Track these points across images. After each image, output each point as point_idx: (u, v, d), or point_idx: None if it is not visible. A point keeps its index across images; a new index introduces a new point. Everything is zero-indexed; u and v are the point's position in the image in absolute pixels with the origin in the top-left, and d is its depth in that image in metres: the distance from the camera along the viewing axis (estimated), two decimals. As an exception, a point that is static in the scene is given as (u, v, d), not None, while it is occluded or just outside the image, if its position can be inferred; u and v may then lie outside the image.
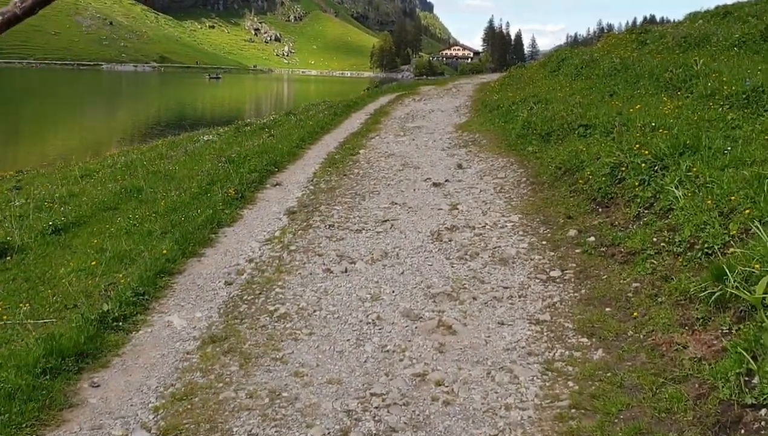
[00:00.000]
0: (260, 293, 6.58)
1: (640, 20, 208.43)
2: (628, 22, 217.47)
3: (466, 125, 17.63)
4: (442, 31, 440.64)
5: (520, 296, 6.42)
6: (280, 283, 6.81)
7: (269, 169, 12.54)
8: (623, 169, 8.65)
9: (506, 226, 8.66)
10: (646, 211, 7.62)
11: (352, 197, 10.27)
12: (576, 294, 6.37)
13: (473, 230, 8.47)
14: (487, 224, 8.74)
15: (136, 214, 10.09)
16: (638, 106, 10.70)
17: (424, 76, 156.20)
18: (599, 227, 8.02)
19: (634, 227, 7.49)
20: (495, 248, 7.80)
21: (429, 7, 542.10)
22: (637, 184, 8.07)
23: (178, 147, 21.37)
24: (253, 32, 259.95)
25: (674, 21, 25.91)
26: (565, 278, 6.82)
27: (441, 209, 9.53)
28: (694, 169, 7.23)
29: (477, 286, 6.69)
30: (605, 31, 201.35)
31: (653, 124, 9.58)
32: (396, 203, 9.84)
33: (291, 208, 9.79)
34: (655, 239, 6.75)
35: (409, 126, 18.11)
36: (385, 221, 8.94)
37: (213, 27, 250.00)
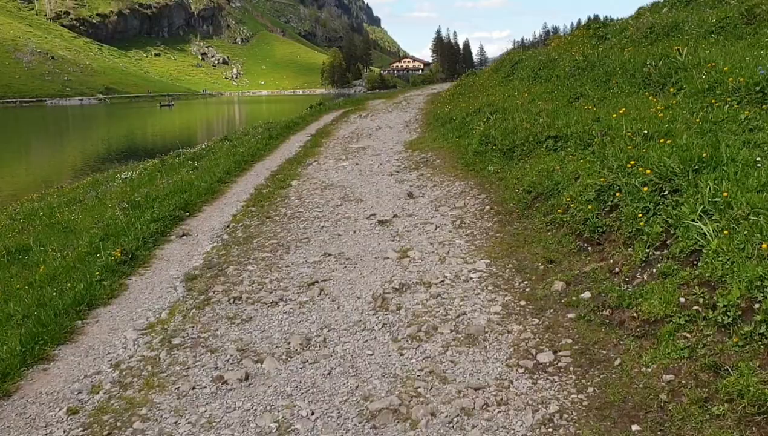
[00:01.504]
0: (110, 433, 4.35)
1: (584, 21, 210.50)
2: (572, 24, 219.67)
3: (417, 143, 15.59)
4: (391, 45, 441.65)
5: (499, 405, 4.32)
6: (144, 410, 4.58)
7: (177, 216, 10.28)
8: (615, 193, 6.65)
9: (471, 278, 6.57)
10: (658, 253, 5.60)
11: (273, 250, 8.06)
12: (581, 397, 4.30)
13: (429, 288, 6.36)
14: (446, 276, 6.64)
15: (7, 287, 7.87)
16: (622, 109, 8.72)
17: (377, 90, 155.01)
18: (593, 275, 5.99)
19: (645, 277, 5.46)
20: (459, 315, 5.69)
21: (376, 22, 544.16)
22: (639, 214, 6.07)
23: (99, 187, 19.02)
24: (200, 57, 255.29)
25: (620, 19, 24.35)
26: (561, 365, 4.74)
27: (387, 258, 7.40)
28: (723, 193, 5.24)
29: (436, 389, 4.57)
30: (551, 33, 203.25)
31: (645, 131, 7.63)
32: (329, 254, 7.67)
33: (192, 272, 7.55)
34: (683, 300, 4.72)
35: (352, 147, 16.00)
36: (313, 283, 6.76)
37: (159, 55, 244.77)
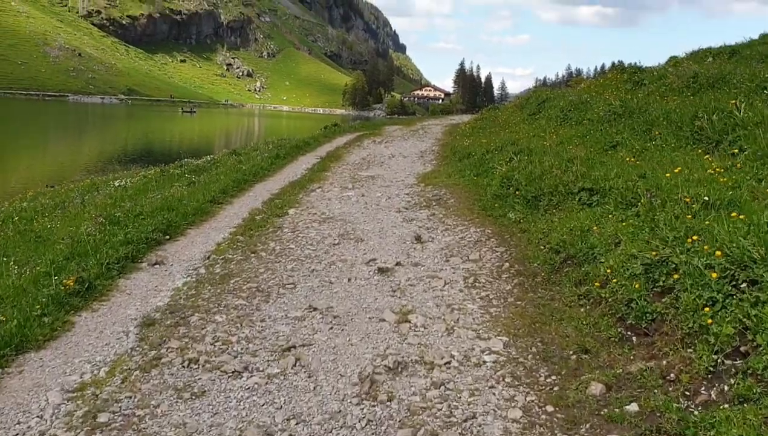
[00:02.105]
0: None
1: (608, 65, 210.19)
2: (596, 67, 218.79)
3: (431, 176, 14.37)
4: (414, 72, 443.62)
5: None
6: None
7: (155, 239, 9.09)
8: (670, 272, 5.38)
9: (484, 362, 5.29)
10: (731, 362, 4.33)
11: (250, 296, 6.80)
12: None
13: (431, 372, 5.09)
14: (454, 356, 5.37)
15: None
16: (677, 168, 7.44)
17: (396, 115, 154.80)
18: (641, 379, 4.70)
19: (714, 395, 4.19)
20: (467, 419, 4.41)
21: (402, 49, 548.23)
22: (703, 305, 4.80)
23: (90, 192, 17.92)
24: (225, 67, 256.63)
25: (656, 66, 23.20)
26: None
27: (384, 321, 6.13)
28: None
29: None
30: (574, 75, 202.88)
31: (705, 197, 6.37)
32: (315, 309, 6.41)
33: (151, 315, 6.32)
34: (776, 444, 3.44)
35: (361, 175, 14.80)
36: (289, 349, 5.50)
37: (184, 61, 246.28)
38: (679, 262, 5.42)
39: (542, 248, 7.91)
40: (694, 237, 5.46)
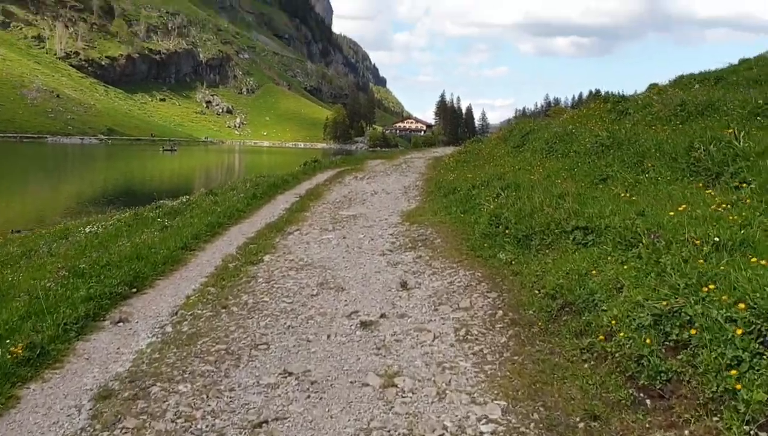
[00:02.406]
0: None
1: (585, 94, 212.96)
2: (574, 97, 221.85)
3: (416, 214, 13.82)
4: (396, 105, 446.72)
5: None
6: None
7: (120, 293, 8.43)
8: (684, 325, 4.85)
9: (481, 433, 4.68)
10: (765, 433, 3.76)
11: (219, 360, 6.15)
12: None
13: (422, 449, 4.46)
14: (447, 427, 4.75)
15: None
16: (682, 206, 6.92)
17: (378, 148, 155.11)
18: (663, 453, 4.12)
19: (751, 476, 3.60)
20: (464, 510, 3.79)
21: (382, 82, 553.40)
22: (727, 365, 4.25)
23: (60, 239, 17.19)
24: (204, 105, 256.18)
25: (636, 94, 23.04)
26: None
27: (367, 386, 5.50)
28: None
29: None
30: (552, 105, 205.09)
31: (716, 238, 5.85)
32: (291, 373, 5.76)
33: (109, 386, 5.64)
34: None
35: (342, 215, 14.21)
36: (261, 424, 4.85)
37: (164, 99, 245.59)
38: (695, 313, 4.87)
39: (537, 292, 7.35)
40: (710, 286, 4.91)
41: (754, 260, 5.07)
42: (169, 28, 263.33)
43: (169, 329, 7.17)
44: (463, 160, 22.45)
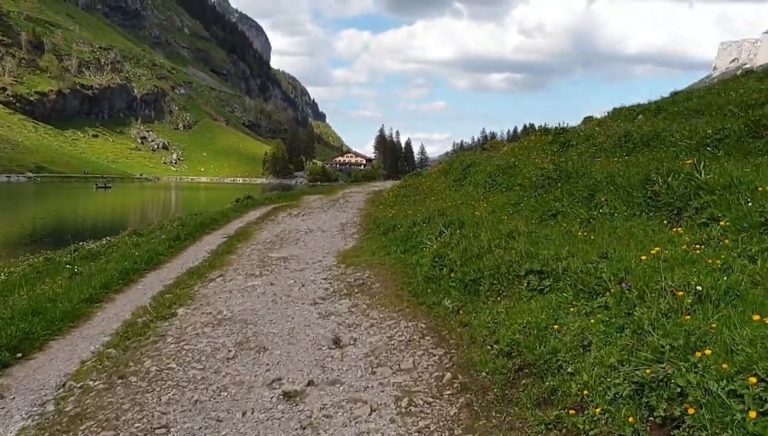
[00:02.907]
0: None
1: (520, 128, 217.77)
2: (509, 130, 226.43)
3: (353, 254, 12.75)
4: (335, 139, 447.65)
5: None
6: None
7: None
8: (673, 397, 3.93)
9: None
10: None
11: (100, 455, 4.91)
12: None
13: None
14: None
15: None
16: (655, 249, 6.03)
17: (318, 182, 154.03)
18: None
19: None
20: None
21: (321, 117, 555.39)
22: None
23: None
24: (139, 141, 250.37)
25: (566, 126, 22.81)
26: None
27: (286, 485, 4.35)
28: None
29: None
30: (489, 138, 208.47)
31: (698, 287, 4.97)
32: (190, 472, 4.58)
33: (-56, 501, 4.35)
34: None
35: (272, 257, 13.01)
36: None
37: (97, 136, 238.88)
38: (687, 384, 3.94)
39: (490, 349, 6.36)
40: (707, 351, 3.99)
41: (755, 317, 4.17)
42: (102, 63, 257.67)
43: (50, 407, 5.87)
44: (402, 195, 21.57)
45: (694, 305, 4.82)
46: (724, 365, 3.83)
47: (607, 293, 5.80)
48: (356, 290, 9.67)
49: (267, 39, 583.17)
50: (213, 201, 74.56)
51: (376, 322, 8.04)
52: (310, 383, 6.13)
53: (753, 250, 5.66)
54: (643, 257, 5.73)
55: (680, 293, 4.89)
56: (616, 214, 8.67)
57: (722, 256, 5.54)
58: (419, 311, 8.28)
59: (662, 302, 5.01)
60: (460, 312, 7.67)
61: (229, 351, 7.09)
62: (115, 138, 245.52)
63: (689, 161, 8.41)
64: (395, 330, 7.64)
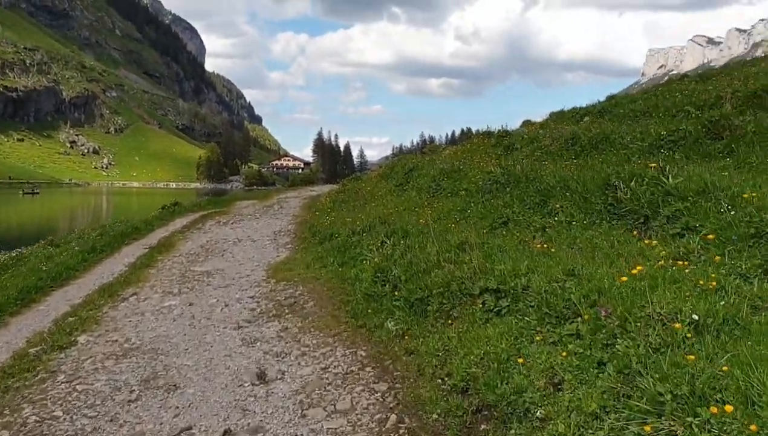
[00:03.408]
0: None
1: (458, 132, 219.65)
2: (447, 135, 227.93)
3: (285, 267, 11.65)
4: (272, 143, 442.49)
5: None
6: None
7: None
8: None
9: None
10: None
11: None
12: None
13: None
14: None
15: None
16: (637, 268, 5.17)
17: (255, 187, 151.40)
18: None
19: None
20: None
21: (257, 120, 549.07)
22: None
23: None
24: (68, 145, 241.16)
25: (508, 129, 22.32)
26: None
27: None
28: None
29: None
30: (428, 142, 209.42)
31: (693, 315, 4.13)
32: None
33: None
34: None
35: (195, 271, 11.77)
36: None
37: (22, 139, 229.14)
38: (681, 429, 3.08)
39: (441, 383, 5.44)
40: (727, 408, 3.12)
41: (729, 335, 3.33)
42: (28, 65, 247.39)
43: None
44: (341, 201, 20.52)
45: (695, 337, 3.97)
46: (753, 427, 2.97)
47: (578, 318, 4.93)
48: (287, 311, 8.59)
49: (201, 41, 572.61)
50: (145, 206, 71.72)
51: (309, 349, 6.99)
52: (226, 433, 5.05)
53: (744, 266, 4.90)
54: (623, 278, 4.85)
55: (677, 324, 4.02)
56: (573, 223, 7.88)
57: (713, 275, 4.73)
58: (358, 335, 7.28)
59: (651, 334, 4.15)
60: (406, 337, 6.72)
61: (132, 391, 5.92)
62: (43, 142, 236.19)
63: (653, 164, 7.69)
64: (331, 360, 6.61)
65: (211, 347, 7.23)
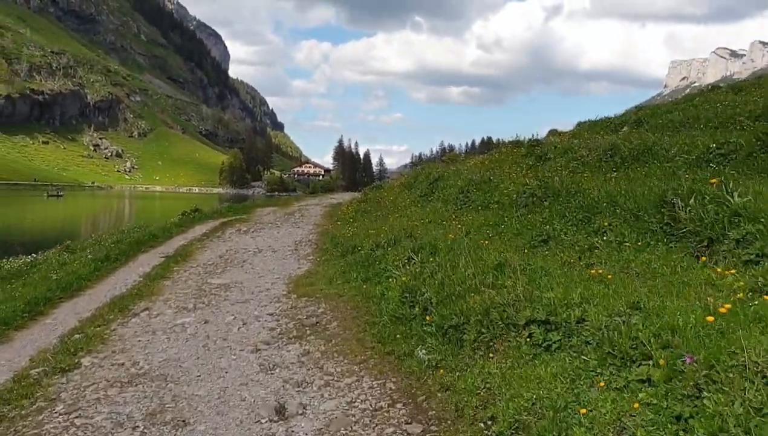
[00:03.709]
0: None
1: (478, 141, 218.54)
2: (467, 143, 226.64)
3: (307, 282, 11.02)
4: (294, 149, 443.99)
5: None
6: None
7: None
8: None
9: None
10: None
11: None
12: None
13: None
14: None
15: None
16: (725, 306, 4.45)
17: (276, 193, 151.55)
18: None
19: None
20: None
21: (280, 127, 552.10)
22: None
23: None
24: (92, 148, 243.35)
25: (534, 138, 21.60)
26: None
27: None
28: None
29: None
30: (447, 151, 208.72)
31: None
32: None
33: None
34: None
35: (212, 284, 11.19)
36: None
37: (47, 142, 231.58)
38: None
39: (483, 427, 4.77)
40: None
41: None
42: (54, 68, 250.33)
43: None
44: (363, 210, 19.89)
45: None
46: None
47: (649, 361, 4.24)
48: (309, 332, 7.95)
49: (225, 47, 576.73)
50: (168, 211, 71.56)
51: (333, 379, 6.34)
52: (239, 484, 4.41)
53: None
54: (709, 318, 4.15)
55: (746, 364, 3.32)
56: (625, 243, 7.16)
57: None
58: (386, 363, 6.62)
59: (749, 389, 3.44)
60: (440, 369, 6.04)
61: (135, 427, 5.30)
62: (67, 145, 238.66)
63: (714, 180, 6.94)
64: (357, 392, 5.95)
65: (226, 373, 6.60)
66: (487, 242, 9.35)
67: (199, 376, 6.52)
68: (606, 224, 7.79)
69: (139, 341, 7.82)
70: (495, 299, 6.18)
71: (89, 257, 13.88)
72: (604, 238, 7.53)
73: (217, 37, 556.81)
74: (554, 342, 5.25)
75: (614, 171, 11.81)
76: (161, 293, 10.58)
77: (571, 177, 10.91)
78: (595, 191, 8.93)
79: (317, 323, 8.32)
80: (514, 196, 11.28)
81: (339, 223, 18.54)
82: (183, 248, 15.40)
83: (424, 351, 6.49)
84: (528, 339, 5.49)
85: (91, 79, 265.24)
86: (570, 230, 8.43)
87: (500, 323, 5.91)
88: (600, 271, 6.11)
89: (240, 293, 10.39)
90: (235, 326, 8.30)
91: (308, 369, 6.66)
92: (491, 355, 5.77)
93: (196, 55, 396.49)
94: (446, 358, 6.15)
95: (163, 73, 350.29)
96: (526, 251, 8.36)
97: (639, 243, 6.93)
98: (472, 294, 6.64)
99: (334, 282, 10.55)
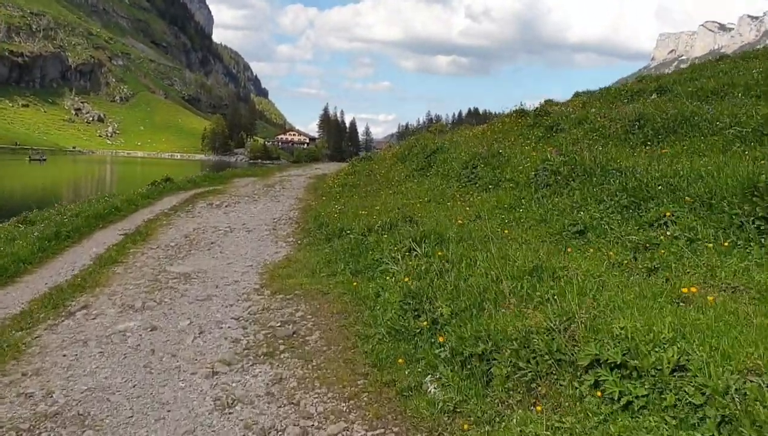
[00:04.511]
0: None
1: (465, 112, 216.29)
2: (454, 114, 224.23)
3: (284, 273, 9.27)
4: (278, 117, 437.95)
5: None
6: None
7: None
8: None
9: None
10: None
11: None
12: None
13: None
14: None
15: None
16: None
17: (259, 160, 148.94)
18: None
19: None
20: None
21: (264, 93, 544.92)
22: None
23: None
24: (73, 112, 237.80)
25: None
26: None
27: None
28: None
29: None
30: (434, 121, 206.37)
31: None
32: None
33: None
34: None
35: (172, 273, 9.41)
36: None
37: (27, 105, 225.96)
38: None
39: None
40: None
41: None
42: (34, 30, 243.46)
43: None
44: (351, 184, 18.07)
45: None
46: None
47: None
48: (283, 347, 6.22)
49: (209, 11, 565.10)
50: (150, 176, 69.25)
51: (312, 426, 4.63)
52: None
53: None
54: None
55: None
56: (698, 241, 5.46)
57: None
58: (385, 400, 4.93)
59: None
60: (459, 415, 4.37)
61: None
62: (48, 109, 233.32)
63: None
64: (344, 448, 4.27)
65: (169, 412, 4.87)
66: (505, 230, 7.65)
67: (131, 417, 4.78)
68: (667, 213, 6.09)
69: (64, 356, 6.05)
70: (540, 321, 4.48)
71: (35, 234, 12.01)
72: (667, 232, 5.83)
73: (201, 1, 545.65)
74: (639, 398, 3.57)
75: (645, 144, 10.14)
76: (108, 283, 8.78)
77: (603, 152, 9.19)
78: (645, 172, 7.22)
79: (294, 333, 6.59)
80: (532, 173, 9.56)
81: (324, 198, 16.75)
82: (145, 225, 13.53)
83: (435, 387, 4.81)
84: (593, 387, 3.82)
85: (73, 42, 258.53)
86: (613, 220, 6.74)
87: (547, 356, 4.22)
88: (693, 289, 4.39)
89: (202, 286, 8.61)
90: (189, 336, 6.55)
91: (279, 407, 4.95)
92: (534, 401, 4.11)
93: (180, 19, 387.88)
94: (468, 399, 4.48)
95: (146, 37, 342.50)
96: (556, 243, 6.67)
97: (724, 243, 5.23)
98: (503, 310, 4.94)
99: (317, 274, 8.81)
